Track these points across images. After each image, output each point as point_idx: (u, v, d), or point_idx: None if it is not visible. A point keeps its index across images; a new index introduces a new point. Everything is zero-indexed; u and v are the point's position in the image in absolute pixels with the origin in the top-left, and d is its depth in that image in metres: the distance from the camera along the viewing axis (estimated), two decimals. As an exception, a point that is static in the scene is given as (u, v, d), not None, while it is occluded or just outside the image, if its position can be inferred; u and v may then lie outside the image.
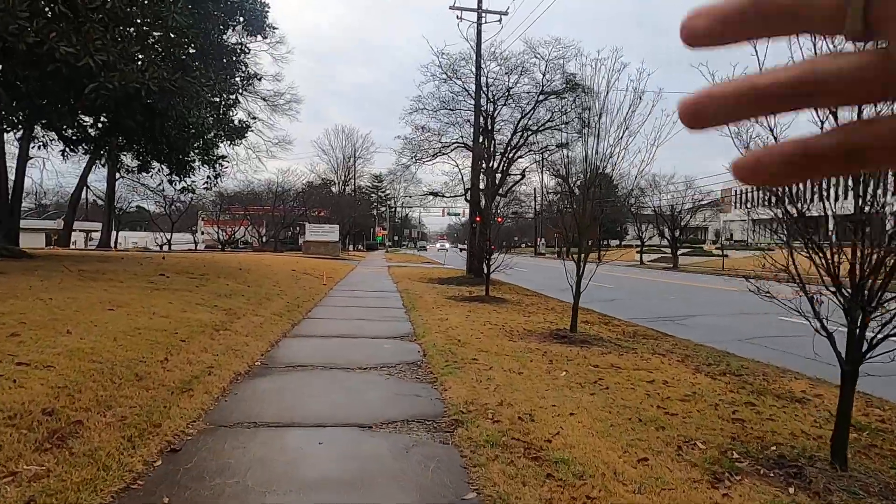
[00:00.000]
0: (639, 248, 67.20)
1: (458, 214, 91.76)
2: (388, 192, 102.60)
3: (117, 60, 9.23)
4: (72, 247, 46.09)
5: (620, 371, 6.10)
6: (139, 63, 9.67)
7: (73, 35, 8.98)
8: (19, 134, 17.78)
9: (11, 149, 37.17)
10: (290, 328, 8.34)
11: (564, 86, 18.36)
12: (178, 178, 15.57)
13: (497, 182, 20.16)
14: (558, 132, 19.27)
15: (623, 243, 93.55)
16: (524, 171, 19.95)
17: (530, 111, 19.59)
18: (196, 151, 13.41)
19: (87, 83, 9.15)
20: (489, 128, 20.01)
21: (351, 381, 5.38)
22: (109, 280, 9.40)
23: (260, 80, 16.97)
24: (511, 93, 19.16)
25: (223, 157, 15.14)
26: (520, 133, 19.49)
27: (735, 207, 77.77)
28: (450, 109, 20.06)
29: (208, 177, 16.15)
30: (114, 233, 52.61)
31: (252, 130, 18.44)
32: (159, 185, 17.04)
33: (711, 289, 22.89)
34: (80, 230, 59.92)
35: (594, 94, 7.87)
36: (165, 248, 50.81)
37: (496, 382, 5.35)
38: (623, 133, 7.76)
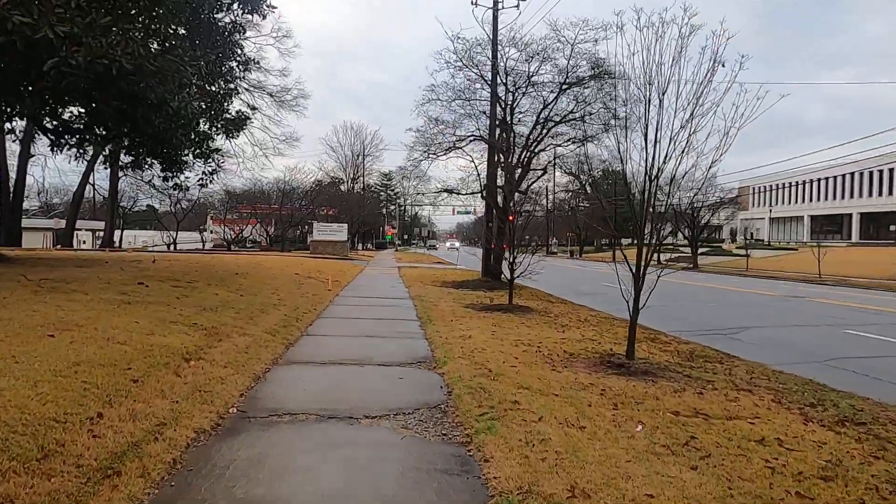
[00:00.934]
0: (655, 248, 65.04)
1: (469, 213, 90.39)
2: (397, 190, 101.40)
3: (83, 33, 7.82)
4: (82, 246, 45.14)
5: (712, 423, 4.59)
6: (112, 38, 8.25)
7: (31, 3, 7.59)
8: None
9: (13, 146, 36.12)
10: (283, 351, 6.90)
11: (592, 71, 16.77)
12: (169, 174, 14.21)
13: (517, 178, 18.64)
14: (584, 123, 17.71)
15: (633, 242, 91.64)
16: (547, 165, 18.39)
17: (553, 101, 18.05)
18: (186, 143, 12.03)
19: (46, 59, 7.76)
20: (508, 120, 18.49)
21: (354, 445, 3.92)
22: (73, 292, 8.01)
23: (258, 64, 15.58)
24: (532, 81, 17.63)
25: (217, 150, 13.74)
26: (541, 125, 17.94)
27: (753, 206, 75.57)
28: (465, 100, 18.57)
29: (203, 173, 14.79)
30: (118, 232, 51.66)
31: (252, 122, 17.07)
32: (154, 180, 15.64)
33: (746, 292, 21.24)
34: (87, 229, 59.07)
35: (655, 66, 6.35)
36: (171, 247, 49.76)
37: (554, 446, 3.87)
38: (693, 111, 6.24)
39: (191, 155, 13.30)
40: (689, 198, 49.70)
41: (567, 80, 17.64)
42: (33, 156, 39.94)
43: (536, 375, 5.97)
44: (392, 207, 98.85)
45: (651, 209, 7.05)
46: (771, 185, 72.83)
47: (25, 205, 61.83)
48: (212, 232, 63.80)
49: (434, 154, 18.33)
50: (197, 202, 54.92)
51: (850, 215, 65.58)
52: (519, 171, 18.72)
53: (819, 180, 68.15)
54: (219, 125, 14.44)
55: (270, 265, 18.73)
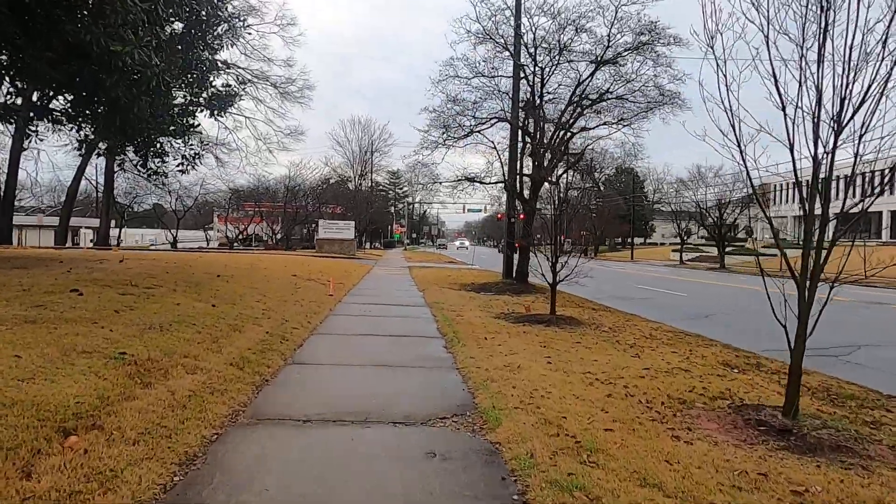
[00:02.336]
0: (677, 247, 62.68)
1: (480, 210, 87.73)
2: (405, 188, 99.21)
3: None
4: (86, 245, 43.21)
5: None
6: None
7: None
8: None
9: (4, 139, 34.16)
10: (248, 398, 4.57)
11: (642, 38, 14.29)
12: (143, 159, 11.95)
13: (546, 165, 16.24)
14: (624, 103, 15.27)
15: (649, 241, 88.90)
16: (584, 150, 15.95)
17: (588, 77, 15.61)
18: (154, 116, 9.76)
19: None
20: (537, 98, 16.09)
21: None
22: (-40, 304, 5.73)
23: (245, 22, 13.19)
24: (566, 50, 15.19)
25: (193, 126, 11.43)
26: (574, 104, 15.52)
27: (774, 203, 72.47)
28: (489, 76, 16.15)
29: (183, 156, 12.52)
30: (120, 230, 49.71)
31: (242, 98, 14.78)
32: (136, 167, 13.41)
33: (793, 295, 18.62)
34: (88, 227, 57.20)
35: None
36: (173, 245, 47.73)
37: None
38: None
39: (164, 134, 11.03)
40: (715, 195, 47.19)
41: (609, 49, 15.15)
42: (26, 149, 38.03)
43: (655, 451, 3.59)
44: (400, 206, 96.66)
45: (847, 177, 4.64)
46: (788, 183, 69.68)
47: (32, 202, 60.11)
48: (217, 231, 61.84)
49: (452, 137, 15.95)
50: (201, 200, 52.92)
51: (881, 213, 62.50)
52: (548, 157, 16.31)
53: (847, 176, 65.02)
54: (201, 99, 12.16)
55: (267, 265, 16.46)
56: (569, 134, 14.69)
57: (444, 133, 15.81)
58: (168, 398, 4.03)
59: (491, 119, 16.75)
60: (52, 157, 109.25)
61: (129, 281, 8.62)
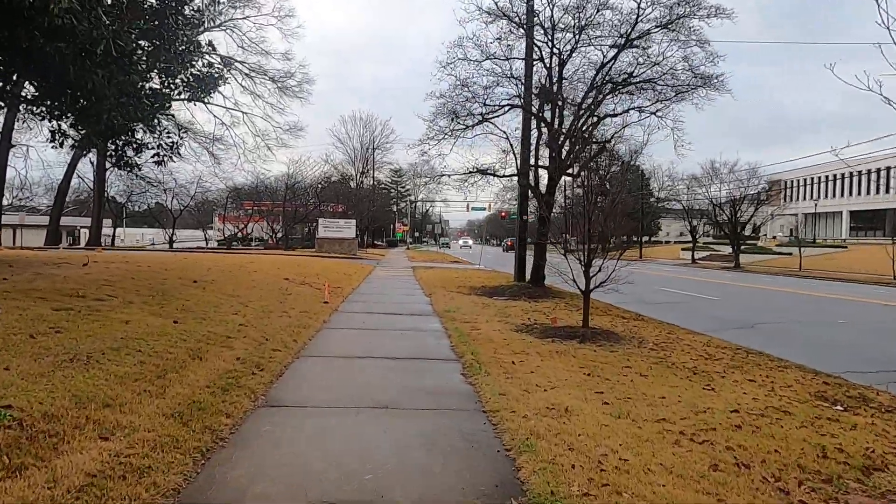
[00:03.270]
0: (685, 245, 60.92)
1: (484, 209, 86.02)
2: (408, 187, 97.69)
3: None
4: (63, 245, 41.70)
5: None
6: None
7: None
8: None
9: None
10: (183, 481, 3.04)
11: (674, 13, 12.68)
12: (111, 149, 10.45)
13: (564, 157, 14.68)
14: (655, 86, 13.66)
15: (653, 240, 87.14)
16: (613, 137, 14.32)
17: (612, 59, 14.03)
18: (116, 97, 8.24)
19: None
20: (554, 83, 14.52)
21: None
22: None
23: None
24: (587, 31, 13.63)
25: (164, 108, 9.88)
26: (596, 89, 13.94)
27: (783, 201, 70.61)
28: (502, 59, 14.56)
29: (160, 146, 10.99)
30: (116, 229, 48.27)
31: (227, 81, 13.26)
32: (120, 166, 11.88)
33: (839, 300, 17.14)
34: (85, 227, 55.73)
35: None
36: (170, 245, 46.25)
37: None
38: None
39: (133, 119, 9.49)
40: (730, 190, 45.44)
41: (638, 24, 13.54)
42: (14, 146, 36.54)
43: None
44: (403, 204, 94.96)
45: None
46: (805, 179, 68.16)
47: (31, 202, 58.62)
48: (217, 230, 60.37)
49: (461, 125, 14.35)
50: (200, 199, 51.35)
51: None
52: (567, 147, 14.75)
53: (860, 174, 63.37)
54: (178, 80, 10.64)
55: (257, 268, 14.95)
56: (593, 119, 13.10)
57: (452, 120, 14.21)
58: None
59: (504, 106, 15.18)
60: (42, 154, 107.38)
61: (76, 291, 7.12)
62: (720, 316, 12.62)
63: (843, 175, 64.67)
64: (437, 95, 14.43)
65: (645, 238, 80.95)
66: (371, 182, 65.46)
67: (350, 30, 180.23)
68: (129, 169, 11.02)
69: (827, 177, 67.26)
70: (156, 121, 9.90)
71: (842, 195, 67.00)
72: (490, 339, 7.68)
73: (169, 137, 11.15)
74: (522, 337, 8.04)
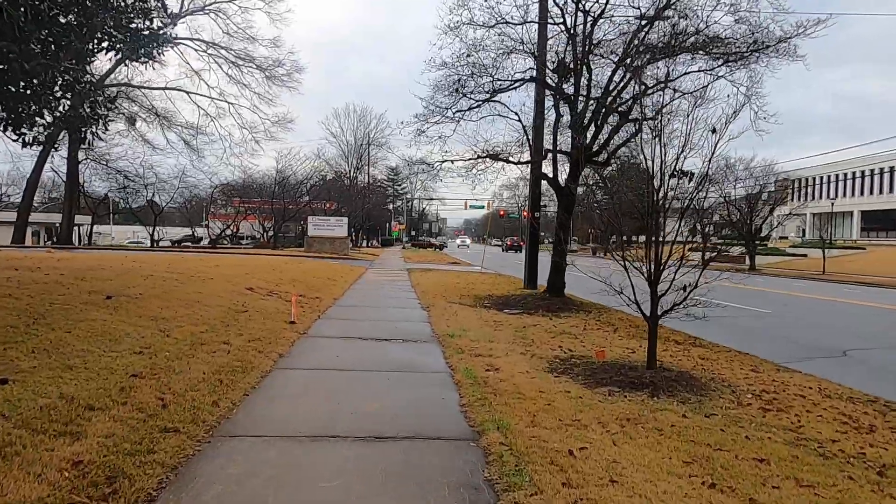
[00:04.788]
0: (692, 246, 58.07)
1: (483, 207, 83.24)
2: (404, 185, 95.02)
3: None
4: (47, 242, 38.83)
5: None
6: None
7: None
8: None
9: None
10: None
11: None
12: (8, 117, 7.84)
13: (589, 141, 12.14)
14: (713, 55, 11.07)
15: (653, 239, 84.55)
16: (658, 112, 11.68)
17: (647, 25, 11.46)
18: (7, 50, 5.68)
19: None
20: (579, 53, 11.96)
21: None
22: None
23: None
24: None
25: (70, 68, 7.28)
26: (631, 58, 11.39)
27: (793, 199, 68.23)
28: (522, 21, 11.89)
29: (83, 118, 8.41)
30: (90, 226, 45.37)
31: (176, 43, 10.63)
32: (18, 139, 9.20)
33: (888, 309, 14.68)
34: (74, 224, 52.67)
35: None
36: (153, 244, 43.53)
37: None
38: None
39: (30, 75, 6.93)
40: (747, 188, 42.94)
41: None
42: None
43: None
44: (399, 203, 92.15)
45: None
46: (815, 178, 65.79)
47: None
48: (208, 228, 57.64)
49: (470, 98, 11.75)
50: (188, 195, 48.55)
51: (910, 209, 58.40)
52: (592, 129, 12.20)
53: (873, 173, 61.08)
54: (100, 35, 8.06)
55: (219, 273, 12.35)
56: (637, 86, 10.47)
57: (456, 92, 11.54)
58: None
59: (517, 82, 12.61)
60: (9, 146, 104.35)
61: None
62: (788, 336, 10.11)
63: (853, 174, 62.36)
64: (439, 64, 11.78)
65: (642, 238, 78.41)
66: (366, 178, 62.67)
67: (343, 26, 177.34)
68: (23, 144, 8.41)
69: (837, 176, 64.98)
70: (55, 77, 7.34)
71: (853, 195, 64.74)
72: (518, 390, 5.13)
73: (90, 107, 8.56)
74: (564, 385, 5.50)
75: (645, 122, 9.31)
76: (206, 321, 7.19)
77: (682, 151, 5.84)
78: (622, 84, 11.44)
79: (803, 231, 61.34)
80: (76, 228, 51.26)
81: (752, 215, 39.93)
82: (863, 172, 61.34)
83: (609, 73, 11.95)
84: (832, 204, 54.07)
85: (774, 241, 58.13)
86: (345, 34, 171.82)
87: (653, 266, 5.96)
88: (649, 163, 6.17)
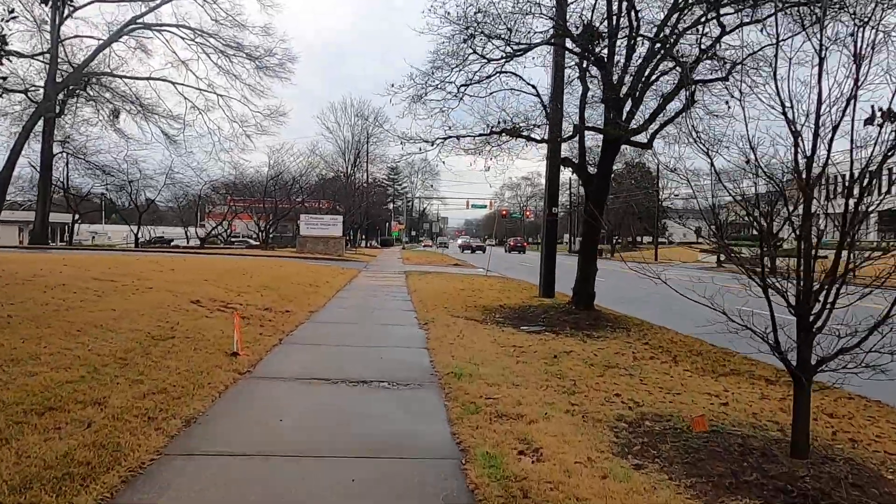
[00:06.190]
0: (699, 246, 55.95)
1: (485, 207, 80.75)
2: (404, 185, 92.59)
3: None
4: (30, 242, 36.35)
5: None
6: None
7: None
8: None
9: None
10: None
11: None
12: None
13: (625, 118, 9.73)
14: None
15: (659, 241, 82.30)
16: (732, 70, 8.89)
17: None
18: None
19: None
20: (616, 13, 9.56)
21: None
22: None
23: None
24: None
25: None
26: (687, 8, 8.94)
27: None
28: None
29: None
30: (72, 225, 42.89)
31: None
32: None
33: None
34: (56, 222, 50.20)
35: None
36: (137, 244, 41.11)
37: None
38: None
39: None
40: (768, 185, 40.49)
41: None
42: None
43: None
44: (399, 203, 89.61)
45: None
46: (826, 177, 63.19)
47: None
48: (203, 227, 55.31)
49: (482, 57, 9.29)
50: (179, 193, 46.10)
51: (933, 209, 55.88)
52: (628, 106, 9.78)
53: (890, 171, 58.53)
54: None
55: (160, 281, 9.92)
56: (702, 37, 7.97)
57: (466, 40, 9.00)
58: None
59: (534, 45, 10.16)
60: None
61: None
62: None
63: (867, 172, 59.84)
64: (444, 15, 9.23)
65: (649, 239, 76.07)
66: (364, 176, 60.18)
67: (341, 24, 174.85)
68: None
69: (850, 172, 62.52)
70: None
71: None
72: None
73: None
74: (664, 495, 3.09)
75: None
76: (92, 360, 4.78)
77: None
78: (677, 31, 8.85)
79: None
80: (60, 227, 48.83)
81: (772, 213, 37.41)
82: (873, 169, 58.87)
83: (661, 18, 9.41)
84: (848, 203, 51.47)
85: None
86: (342, 36, 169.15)
87: (802, 283, 3.56)
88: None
